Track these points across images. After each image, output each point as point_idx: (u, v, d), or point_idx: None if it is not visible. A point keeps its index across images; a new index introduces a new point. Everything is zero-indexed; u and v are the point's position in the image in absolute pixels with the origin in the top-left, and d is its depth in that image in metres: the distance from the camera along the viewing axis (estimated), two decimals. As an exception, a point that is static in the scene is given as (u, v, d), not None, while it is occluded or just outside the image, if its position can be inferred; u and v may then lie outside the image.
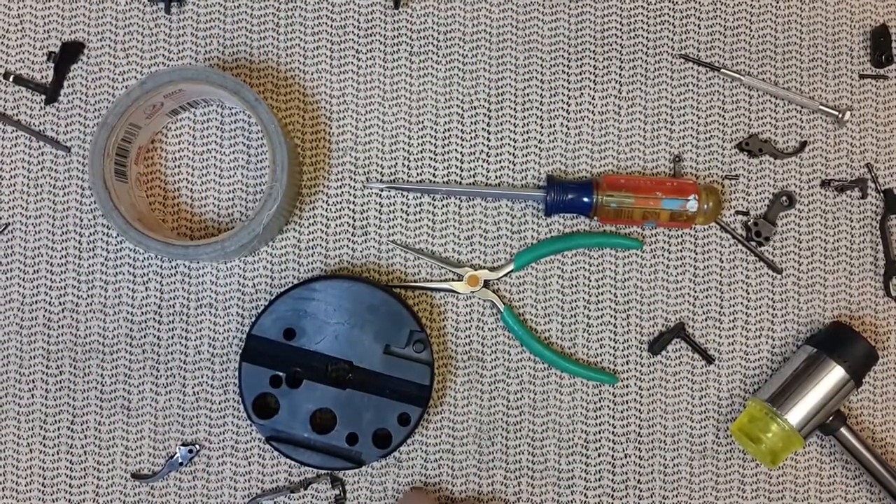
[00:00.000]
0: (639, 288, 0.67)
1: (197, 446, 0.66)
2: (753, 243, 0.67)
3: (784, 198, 0.67)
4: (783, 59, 0.68)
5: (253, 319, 0.64)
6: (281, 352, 0.62)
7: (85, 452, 0.66)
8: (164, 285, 0.66)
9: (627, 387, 0.67)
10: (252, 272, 0.67)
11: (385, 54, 0.68)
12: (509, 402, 0.66)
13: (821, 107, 0.67)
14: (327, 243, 0.67)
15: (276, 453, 0.65)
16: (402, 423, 0.62)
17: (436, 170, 0.67)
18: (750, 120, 0.68)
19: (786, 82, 0.68)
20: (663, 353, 0.67)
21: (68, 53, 0.67)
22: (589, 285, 0.67)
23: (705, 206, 0.64)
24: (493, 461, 0.66)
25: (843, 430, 0.64)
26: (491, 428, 0.66)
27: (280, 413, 0.62)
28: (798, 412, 0.62)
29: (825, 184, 0.68)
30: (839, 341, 0.64)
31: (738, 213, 0.67)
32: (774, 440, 0.62)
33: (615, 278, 0.67)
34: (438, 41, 0.68)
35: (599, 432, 0.66)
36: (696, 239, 0.67)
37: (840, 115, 0.67)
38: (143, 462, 0.66)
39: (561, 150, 0.68)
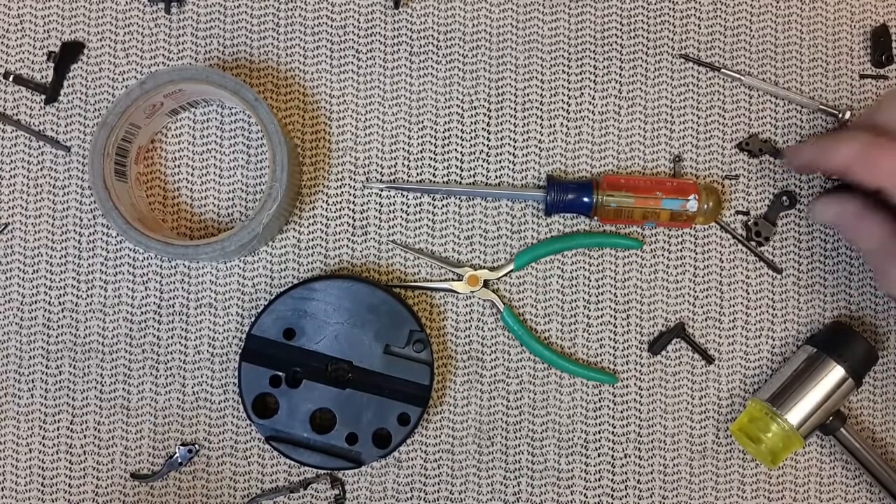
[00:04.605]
0: (639, 288, 0.67)
1: (196, 446, 0.66)
2: (753, 243, 0.67)
3: (784, 198, 0.67)
4: (783, 59, 0.68)
5: (253, 319, 0.64)
6: (281, 352, 0.62)
7: (84, 452, 0.66)
8: (163, 285, 0.66)
9: (627, 387, 0.67)
10: (252, 272, 0.67)
11: (385, 54, 0.68)
12: (509, 402, 0.66)
13: (821, 107, 0.67)
14: (327, 243, 0.67)
15: (275, 453, 0.65)
16: (402, 422, 0.62)
17: (436, 170, 0.67)
18: (750, 120, 0.68)
19: (786, 82, 0.68)
20: (663, 353, 0.67)
21: (68, 53, 0.67)
22: (589, 285, 0.67)
23: (705, 206, 0.64)
24: (492, 461, 0.66)
25: (843, 430, 0.64)
26: (491, 428, 0.66)
27: (280, 413, 0.62)
28: (798, 412, 0.62)
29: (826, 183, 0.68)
30: (839, 341, 0.64)
31: (738, 213, 0.67)
32: (774, 440, 0.62)
33: (615, 278, 0.67)
34: (438, 41, 0.68)
35: (599, 432, 0.66)
36: (696, 239, 0.67)
37: (840, 115, 0.67)
38: (143, 462, 0.66)
39: (561, 150, 0.68)
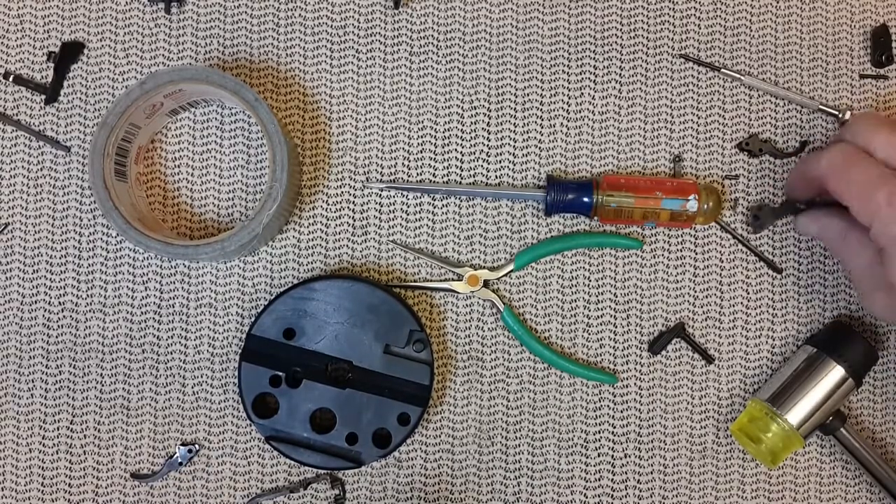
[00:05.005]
0: (639, 288, 0.67)
1: (196, 446, 0.66)
2: (749, 229, 0.67)
3: (800, 205, 0.65)
4: (783, 59, 0.68)
5: (253, 319, 0.64)
6: (281, 351, 0.62)
7: (84, 452, 0.66)
8: (163, 285, 0.66)
9: (627, 387, 0.67)
10: (252, 272, 0.67)
11: (385, 54, 0.68)
12: (509, 402, 0.66)
13: (821, 107, 0.67)
14: (327, 243, 0.67)
15: (275, 453, 0.65)
16: (402, 422, 0.62)
17: (436, 170, 0.67)
18: (750, 120, 0.68)
19: (786, 82, 0.68)
20: (663, 353, 0.67)
21: (68, 53, 0.67)
22: (589, 285, 0.67)
23: (705, 206, 0.64)
24: (493, 461, 0.66)
25: (843, 430, 0.64)
26: (491, 428, 0.66)
27: (280, 413, 0.62)
28: (798, 412, 0.62)
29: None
30: (839, 341, 0.64)
31: (738, 212, 0.67)
32: (774, 440, 0.62)
33: (615, 278, 0.67)
34: (438, 41, 0.68)
35: (599, 432, 0.66)
36: (696, 239, 0.67)
37: (840, 115, 0.67)
38: (143, 462, 0.66)
39: (561, 150, 0.68)
